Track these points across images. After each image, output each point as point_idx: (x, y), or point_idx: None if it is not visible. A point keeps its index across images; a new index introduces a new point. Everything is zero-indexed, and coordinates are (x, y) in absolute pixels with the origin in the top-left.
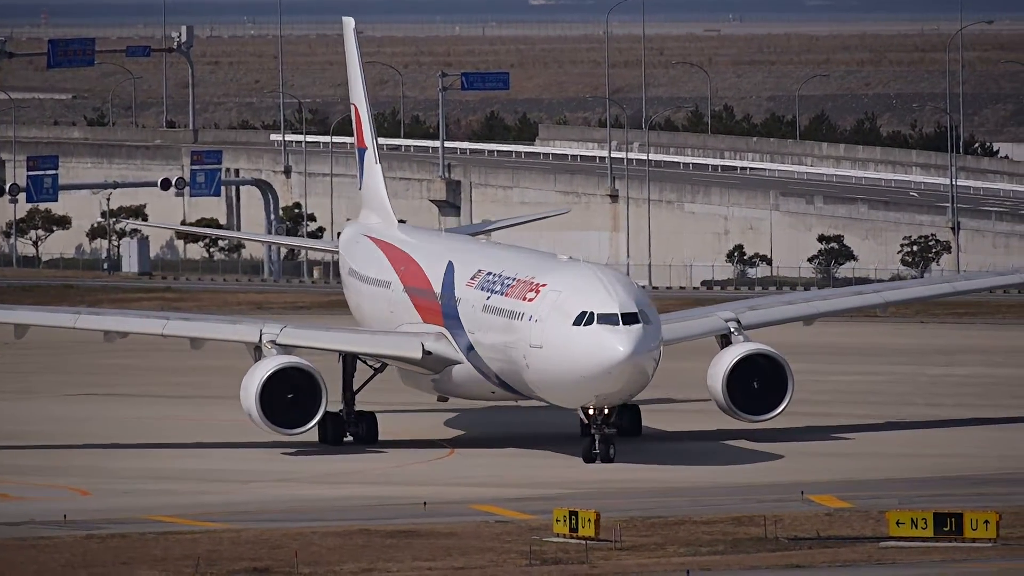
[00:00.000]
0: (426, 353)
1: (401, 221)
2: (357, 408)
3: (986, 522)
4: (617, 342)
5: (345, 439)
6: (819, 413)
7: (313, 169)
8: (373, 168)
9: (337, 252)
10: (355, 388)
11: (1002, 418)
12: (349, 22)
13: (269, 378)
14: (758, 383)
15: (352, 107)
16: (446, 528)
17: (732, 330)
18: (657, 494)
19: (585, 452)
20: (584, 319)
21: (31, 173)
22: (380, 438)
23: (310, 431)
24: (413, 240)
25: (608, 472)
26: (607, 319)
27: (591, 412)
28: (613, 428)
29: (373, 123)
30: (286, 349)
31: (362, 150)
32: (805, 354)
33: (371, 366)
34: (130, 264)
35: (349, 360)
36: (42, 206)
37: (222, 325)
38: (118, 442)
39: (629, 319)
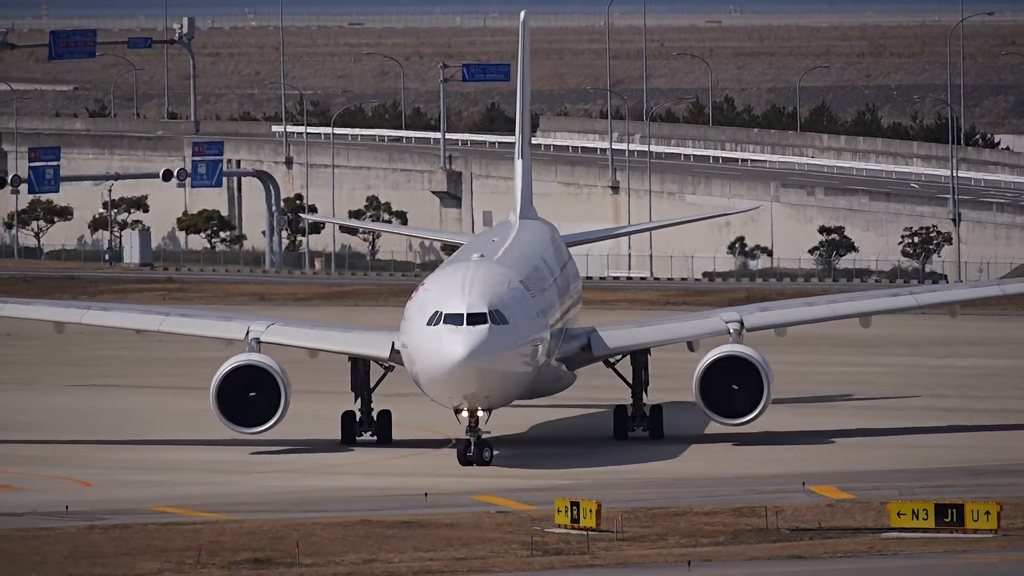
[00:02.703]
0: (394, 351)
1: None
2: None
3: (987, 513)
4: (457, 343)
5: (359, 438)
6: (820, 404)
7: (314, 160)
8: (516, 162)
9: None
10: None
11: (999, 425)
12: (523, 15)
13: (228, 376)
14: (737, 386)
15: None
16: (447, 519)
17: (731, 331)
18: (658, 485)
19: (460, 455)
20: (434, 319)
21: (33, 164)
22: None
23: (270, 430)
24: (477, 235)
25: (609, 463)
26: (453, 319)
27: (463, 414)
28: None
29: (525, 116)
30: (270, 346)
31: None
32: (807, 345)
33: (382, 365)
34: (131, 255)
35: (359, 359)
36: (44, 197)
37: (214, 322)
38: (120, 433)
39: (475, 320)
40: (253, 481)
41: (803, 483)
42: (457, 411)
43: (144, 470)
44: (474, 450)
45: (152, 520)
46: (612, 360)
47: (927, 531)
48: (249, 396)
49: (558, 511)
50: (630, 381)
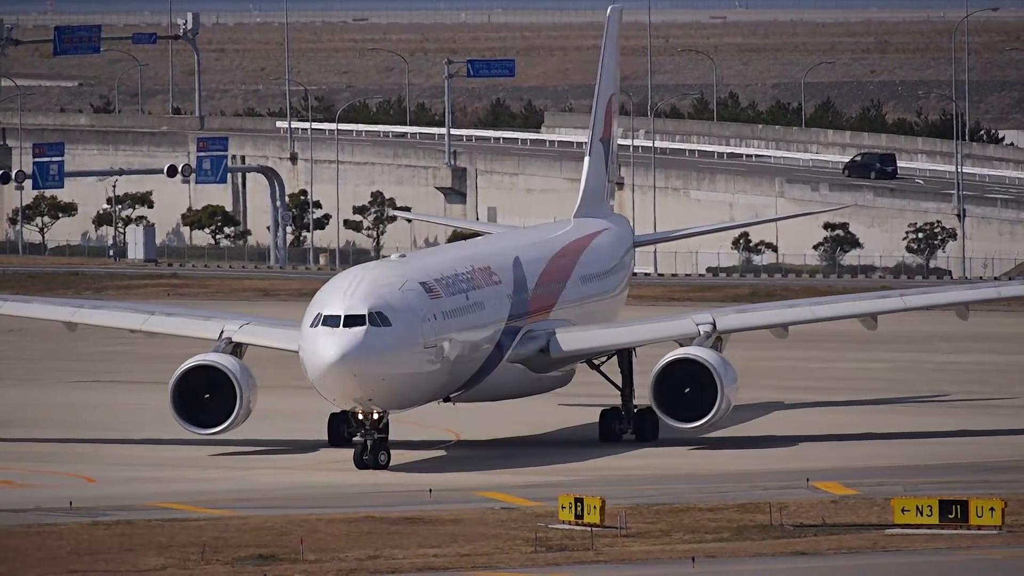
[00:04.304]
0: None
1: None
2: None
3: (991, 509)
4: (330, 345)
5: (355, 439)
6: (824, 400)
7: (319, 156)
8: (584, 159)
9: None
10: None
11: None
12: (609, 10)
13: (187, 376)
14: (693, 390)
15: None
16: (451, 515)
17: (700, 333)
18: (662, 481)
19: (356, 458)
20: (316, 320)
21: (37, 160)
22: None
23: (227, 430)
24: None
25: (614, 459)
26: (330, 321)
27: (359, 417)
28: (383, 434)
29: (597, 113)
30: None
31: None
32: (810, 341)
33: None
34: (136, 251)
35: None
36: (48, 193)
37: (192, 321)
38: (124, 429)
39: (352, 322)
40: (256, 477)
41: (807, 479)
42: (352, 414)
43: (148, 466)
44: (369, 454)
45: (156, 516)
46: (597, 362)
47: (931, 527)
48: (206, 397)
49: (562, 507)
50: (618, 383)
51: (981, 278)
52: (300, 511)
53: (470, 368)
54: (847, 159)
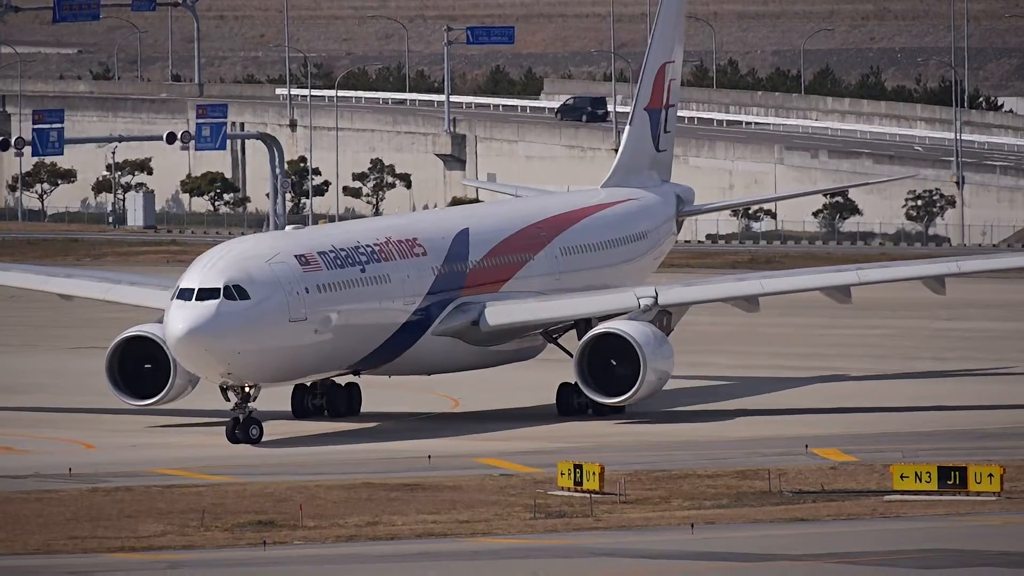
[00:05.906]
0: None
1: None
2: (338, 379)
3: (990, 476)
4: (180, 319)
5: (324, 412)
6: (823, 367)
7: (318, 123)
8: (625, 128)
9: None
10: None
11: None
12: None
13: (124, 346)
14: (620, 364)
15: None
16: (451, 481)
17: (640, 306)
18: (661, 448)
19: (228, 433)
20: (174, 293)
21: (36, 127)
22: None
23: (163, 401)
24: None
25: (613, 426)
26: (185, 294)
27: (228, 393)
28: (250, 409)
29: (643, 81)
30: None
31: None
32: (808, 307)
33: None
34: (135, 218)
35: None
36: (47, 160)
37: (153, 291)
38: None
39: (206, 295)
40: (253, 444)
41: (806, 446)
42: (223, 389)
43: (146, 432)
44: (240, 428)
45: (155, 482)
46: (554, 335)
47: (930, 494)
48: (147, 367)
49: (561, 474)
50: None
51: (980, 245)
52: (299, 477)
53: (372, 342)
54: (846, 127)
